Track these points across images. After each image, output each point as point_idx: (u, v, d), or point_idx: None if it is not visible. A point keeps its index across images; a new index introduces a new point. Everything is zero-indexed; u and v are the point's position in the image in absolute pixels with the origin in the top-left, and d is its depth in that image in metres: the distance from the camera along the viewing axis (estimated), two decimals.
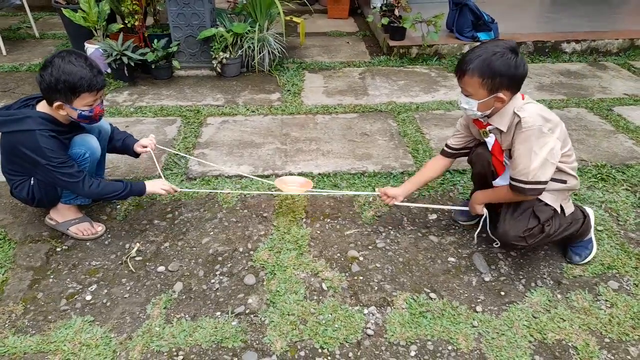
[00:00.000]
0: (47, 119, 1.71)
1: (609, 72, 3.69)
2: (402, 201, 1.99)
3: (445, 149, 1.94)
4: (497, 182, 1.80)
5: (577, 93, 3.32)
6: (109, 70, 3.49)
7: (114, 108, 3.11)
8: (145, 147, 2.03)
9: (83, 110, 1.69)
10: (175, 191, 1.96)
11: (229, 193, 2.27)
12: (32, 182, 1.85)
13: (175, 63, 3.53)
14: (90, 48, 3.48)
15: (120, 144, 2.04)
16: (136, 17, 3.45)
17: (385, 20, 3.91)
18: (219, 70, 3.56)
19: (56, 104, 1.66)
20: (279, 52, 3.68)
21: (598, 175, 2.37)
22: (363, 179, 2.40)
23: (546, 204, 1.70)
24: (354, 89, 3.46)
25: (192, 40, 3.58)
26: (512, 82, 1.54)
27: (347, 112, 3.10)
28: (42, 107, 1.74)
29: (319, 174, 2.43)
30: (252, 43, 3.57)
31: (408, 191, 1.96)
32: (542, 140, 1.53)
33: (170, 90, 3.41)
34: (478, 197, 1.82)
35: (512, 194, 1.65)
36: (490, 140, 1.72)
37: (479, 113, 1.63)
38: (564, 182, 1.71)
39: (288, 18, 3.80)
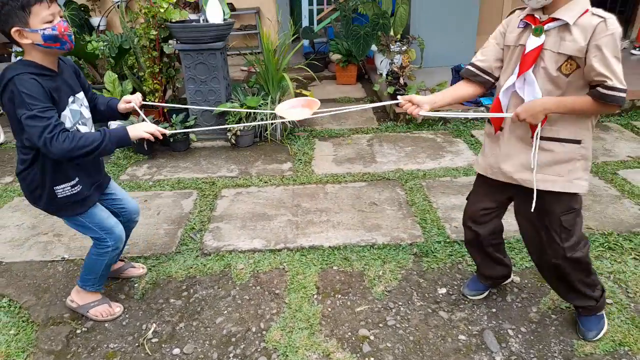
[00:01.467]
0: (27, 63, 1.58)
1: (612, 133, 3.77)
2: (428, 111, 1.72)
3: (469, 67, 1.71)
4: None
5: None
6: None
7: (134, 182, 3.27)
8: (129, 102, 1.87)
9: (44, 29, 1.52)
10: (163, 134, 1.77)
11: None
12: (37, 166, 1.70)
13: (192, 136, 3.73)
14: (114, 124, 3.70)
15: (104, 107, 1.89)
16: (156, 94, 3.69)
17: (391, 89, 4.10)
18: (233, 141, 3.74)
19: (14, 30, 1.50)
20: (290, 122, 3.86)
21: (605, 244, 2.40)
22: (373, 252, 2.45)
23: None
24: (363, 156, 3.59)
25: (208, 114, 3.79)
26: None
27: (356, 181, 3.21)
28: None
29: (330, 247, 2.50)
30: (265, 115, 3.76)
31: (434, 102, 1.69)
32: (618, 50, 1.40)
33: (187, 162, 3.57)
34: (536, 106, 1.49)
35: (598, 104, 1.44)
36: (537, 41, 1.49)
37: None
38: (579, 141, 1.55)
39: (298, 91, 4.01)
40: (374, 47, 4.98)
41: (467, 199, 1.96)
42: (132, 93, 3.76)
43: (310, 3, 6.07)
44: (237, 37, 6.79)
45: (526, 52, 1.50)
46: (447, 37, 5.11)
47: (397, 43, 4.64)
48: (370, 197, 2.99)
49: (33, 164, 1.70)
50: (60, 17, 1.58)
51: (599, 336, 1.84)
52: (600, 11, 1.41)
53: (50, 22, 1.54)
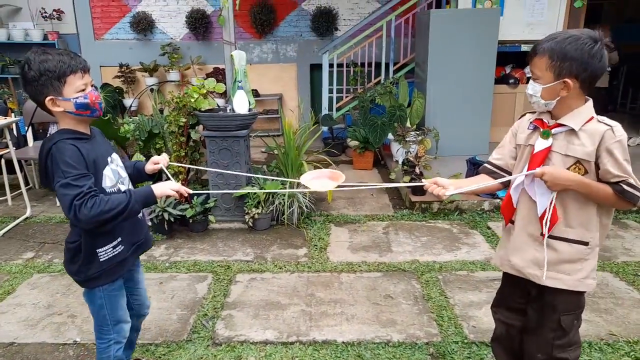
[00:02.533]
0: (63, 131, 1.62)
1: (631, 231, 3.74)
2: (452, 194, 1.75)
3: (487, 165, 1.82)
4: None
5: (601, 255, 3.33)
6: (149, 224, 3.78)
7: (151, 263, 3.31)
8: (157, 163, 1.88)
9: (77, 98, 1.58)
10: (188, 193, 1.79)
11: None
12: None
13: (211, 218, 3.81)
14: None
15: (131, 170, 1.89)
16: (180, 177, 3.84)
17: (407, 178, 4.20)
18: (250, 224, 3.80)
19: (48, 99, 1.56)
20: (307, 207, 3.94)
21: (632, 354, 2.30)
22: (388, 349, 2.38)
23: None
24: (378, 244, 3.60)
25: (227, 197, 3.90)
26: (583, 71, 1.48)
27: (372, 271, 3.19)
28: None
29: (343, 342, 2.44)
30: (283, 199, 3.86)
31: (459, 185, 1.75)
32: (627, 154, 1.50)
33: (205, 244, 3.62)
34: (562, 176, 1.52)
35: (618, 199, 1.50)
36: (545, 143, 1.58)
37: (543, 101, 1.56)
38: (586, 243, 1.60)
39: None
40: (390, 136, 5.17)
41: (497, 292, 1.98)
42: (159, 175, 3.95)
43: (330, 91, 6.41)
44: (260, 120, 7.13)
45: (534, 152, 1.60)
46: (461, 128, 5.29)
47: (413, 133, 4.82)
48: (386, 289, 2.95)
49: (82, 236, 1.69)
50: (92, 86, 1.65)
51: None
52: (605, 119, 1.53)
53: (83, 90, 1.60)
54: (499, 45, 5.31)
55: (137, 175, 1.91)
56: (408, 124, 5.09)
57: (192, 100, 3.70)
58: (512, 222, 1.72)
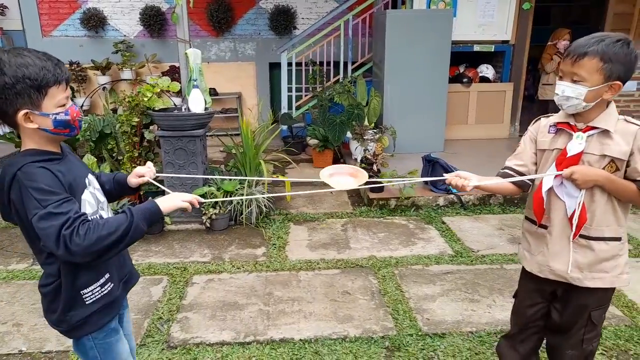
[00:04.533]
0: (29, 153, 1.31)
1: None
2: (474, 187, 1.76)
3: (508, 171, 1.78)
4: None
5: None
6: None
7: None
8: (142, 175, 1.61)
9: (57, 114, 1.30)
10: (200, 203, 1.53)
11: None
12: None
13: (167, 219, 3.73)
14: None
15: (111, 185, 1.61)
16: None
17: None
18: (207, 225, 3.75)
19: (21, 113, 1.26)
20: (265, 206, 3.92)
21: None
22: (344, 345, 2.41)
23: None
24: (337, 241, 3.63)
25: None
26: (626, 75, 1.52)
27: (330, 268, 3.22)
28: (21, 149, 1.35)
29: (301, 340, 2.45)
30: (241, 200, 3.82)
31: (481, 180, 1.74)
32: None
33: (160, 246, 3.54)
34: (591, 173, 1.56)
35: (638, 194, 1.55)
36: (579, 146, 1.58)
37: (584, 104, 1.54)
38: (619, 239, 1.64)
39: (275, 176, 4.12)
40: (349, 134, 5.22)
41: (515, 295, 1.95)
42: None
43: (289, 90, 6.41)
44: (218, 119, 7.04)
45: (568, 155, 1.59)
46: (418, 126, 5.41)
47: (371, 132, 4.89)
48: (344, 286, 2.98)
49: (60, 275, 1.38)
50: (72, 100, 1.40)
51: None
52: (631, 119, 1.58)
53: (63, 105, 1.33)
54: (453, 46, 5.46)
55: (119, 190, 1.63)
56: (366, 123, 5.16)
57: (146, 99, 3.61)
58: (544, 227, 1.71)
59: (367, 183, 1.87)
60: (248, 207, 3.84)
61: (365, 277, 3.09)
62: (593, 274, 1.64)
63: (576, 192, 1.59)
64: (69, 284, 1.38)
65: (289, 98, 6.45)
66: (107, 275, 1.45)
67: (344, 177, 1.84)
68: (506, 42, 5.96)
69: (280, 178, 4.17)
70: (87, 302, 1.41)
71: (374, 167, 4.35)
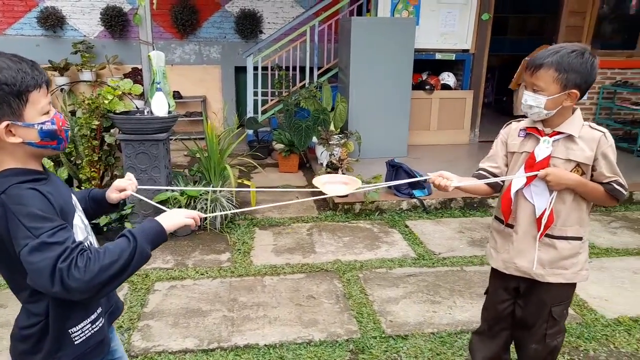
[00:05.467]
0: (12, 173, 1.11)
1: None
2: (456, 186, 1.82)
3: (482, 172, 1.87)
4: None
5: None
6: None
7: None
8: (123, 189, 1.44)
9: (43, 123, 1.13)
10: (202, 218, 1.42)
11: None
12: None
13: (127, 225, 3.64)
14: None
15: (86, 203, 1.42)
16: (93, 182, 3.63)
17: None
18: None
19: (2, 126, 1.08)
20: (230, 210, 3.88)
21: None
22: (309, 349, 2.42)
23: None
24: (302, 246, 3.64)
25: (146, 203, 3.73)
26: (585, 83, 1.60)
27: (295, 272, 3.22)
28: None
29: (265, 345, 2.44)
30: (205, 204, 3.78)
31: (461, 180, 1.80)
32: (616, 156, 1.67)
33: None
34: (565, 176, 1.65)
35: (608, 197, 1.67)
36: (547, 150, 1.68)
37: (545, 111, 1.64)
38: (581, 238, 1.74)
39: (240, 180, 4.09)
40: (315, 139, 5.25)
41: (486, 292, 2.04)
42: (67, 180, 3.71)
43: (255, 94, 6.39)
44: (182, 122, 6.92)
45: (537, 160, 1.68)
46: (382, 132, 5.50)
47: (336, 137, 4.94)
48: (309, 290, 3.00)
49: (48, 314, 1.19)
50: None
51: None
52: (595, 125, 1.69)
53: (47, 113, 1.16)
54: (416, 53, 5.59)
55: (96, 208, 1.45)
56: (332, 128, 5.21)
57: (107, 101, 3.52)
58: (510, 227, 1.79)
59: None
60: (213, 211, 3.80)
61: (330, 281, 3.12)
62: (554, 270, 1.75)
63: (547, 194, 1.69)
64: (57, 323, 1.20)
65: (255, 102, 6.43)
66: (98, 310, 1.30)
67: (338, 186, 1.89)
68: (466, 51, 6.15)
69: (246, 182, 4.15)
70: (75, 342, 1.24)
71: (340, 172, 4.40)
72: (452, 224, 4.08)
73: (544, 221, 1.69)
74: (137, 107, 3.90)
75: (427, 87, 6.10)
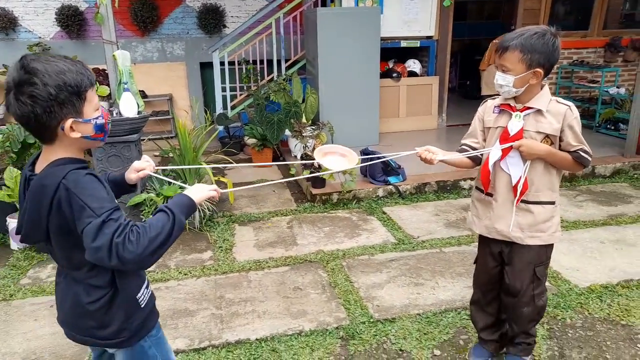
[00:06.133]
0: (65, 162, 1.23)
1: None
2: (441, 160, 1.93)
3: (465, 147, 2.00)
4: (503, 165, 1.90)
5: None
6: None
7: (37, 286, 3.00)
8: (142, 169, 1.55)
9: (97, 118, 1.26)
10: (219, 192, 1.53)
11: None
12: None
13: None
14: (13, 222, 3.44)
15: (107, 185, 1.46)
16: None
17: (306, 172, 4.31)
18: None
19: (68, 124, 1.20)
20: (208, 209, 3.86)
21: None
22: (300, 340, 2.46)
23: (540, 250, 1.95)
24: (284, 239, 3.66)
25: (121, 206, 3.67)
26: (548, 62, 1.74)
27: (279, 266, 3.24)
28: (44, 160, 1.26)
29: (257, 339, 2.46)
30: None
31: (446, 154, 1.93)
32: (581, 127, 1.84)
33: None
34: (536, 147, 1.80)
35: (575, 164, 1.84)
36: (519, 124, 1.83)
37: (514, 89, 1.79)
38: (553, 202, 1.92)
39: (216, 178, 4.06)
40: (287, 132, 5.25)
41: (475, 261, 2.19)
42: None
43: (224, 90, 6.30)
44: (150, 122, 6.76)
45: (512, 134, 1.84)
46: (353, 121, 5.55)
47: (309, 128, 4.96)
48: (294, 282, 3.02)
49: (113, 283, 1.33)
50: None
51: None
52: (561, 99, 1.84)
53: (97, 109, 1.28)
54: (382, 42, 5.65)
55: (116, 190, 1.52)
56: (304, 120, 5.22)
57: None
58: (490, 195, 1.96)
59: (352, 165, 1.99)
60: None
61: (315, 271, 3.16)
62: (532, 233, 1.92)
63: (521, 164, 1.85)
64: (127, 291, 1.35)
65: (224, 98, 6.35)
66: (146, 278, 1.48)
67: (336, 157, 1.94)
68: (430, 37, 6.26)
69: (222, 180, 4.12)
70: (141, 306, 1.40)
71: (315, 163, 4.42)
72: (427, 208, 4.18)
73: (519, 188, 1.85)
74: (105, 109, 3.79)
75: (394, 74, 6.18)
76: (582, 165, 1.85)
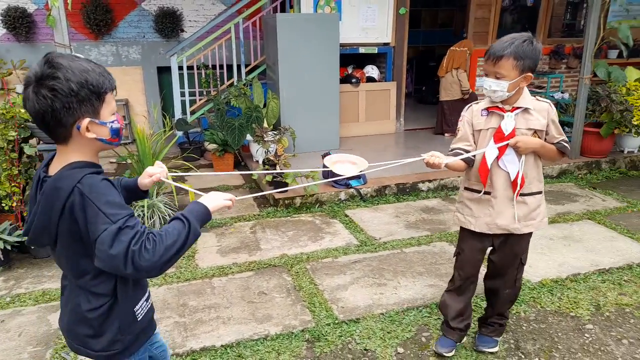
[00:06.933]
0: (80, 165, 1.22)
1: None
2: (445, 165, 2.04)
3: (459, 151, 2.09)
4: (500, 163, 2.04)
5: (438, 228, 3.89)
6: None
7: None
8: (153, 174, 1.53)
9: (113, 122, 1.26)
10: (234, 201, 1.50)
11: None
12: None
13: None
14: None
15: (120, 191, 1.45)
16: (14, 197, 3.37)
17: (269, 177, 4.32)
18: None
19: (85, 123, 1.20)
20: (169, 216, 3.79)
21: None
22: (266, 344, 2.46)
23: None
24: (247, 244, 3.65)
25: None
26: (534, 66, 1.92)
27: (243, 271, 3.23)
28: (58, 162, 1.24)
29: (222, 345, 2.44)
30: (142, 210, 3.65)
31: (447, 159, 2.03)
32: None
33: (53, 269, 3.24)
34: (530, 141, 1.97)
35: (559, 153, 2.04)
36: (512, 123, 1.97)
37: (507, 93, 1.93)
38: (541, 192, 2.10)
39: (179, 183, 3.98)
40: (249, 137, 5.24)
41: (457, 254, 2.29)
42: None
43: (182, 95, 6.21)
44: None
45: (506, 133, 1.98)
46: (314, 126, 5.61)
47: (271, 133, 4.96)
48: (259, 287, 3.02)
49: (114, 292, 1.30)
50: None
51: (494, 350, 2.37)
52: (540, 98, 2.05)
53: (114, 113, 1.29)
54: (341, 48, 5.75)
55: (128, 197, 1.53)
56: (265, 124, 5.22)
57: (23, 110, 3.27)
58: (487, 193, 2.07)
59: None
60: (151, 219, 3.68)
61: (279, 275, 3.17)
62: (527, 222, 2.09)
63: (516, 160, 2.00)
64: (126, 303, 1.33)
65: (183, 103, 6.25)
66: (147, 289, 1.44)
67: (346, 165, 2.06)
68: (387, 44, 6.42)
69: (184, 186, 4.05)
70: (138, 319, 1.37)
71: (277, 168, 4.43)
72: (388, 210, 4.28)
73: (518, 183, 2.01)
74: None
75: (353, 80, 6.29)
76: (564, 154, 2.04)
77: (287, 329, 2.58)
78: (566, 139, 2.04)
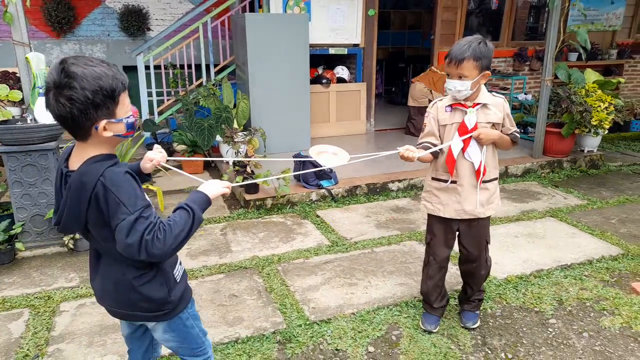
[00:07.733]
0: (102, 158, 1.34)
1: None
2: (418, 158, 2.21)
3: (427, 144, 2.27)
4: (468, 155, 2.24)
5: (407, 227, 3.95)
6: None
7: None
8: (153, 159, 1.64)
9: (128, 117, 1.38)
10: (230, 187, 1.63)
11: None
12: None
13: (19, 246, 3.29)
14: None
15: None
16: None
17: (239, 178, 4.28)
18: (71, 246, 3.41)
19: (102, 125, 1.31)
20: None
21: None
22: (237, 347, 2.44)
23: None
24: (218, 247, 3.60)
25: (39, 219, 3.42)
26: (490, 64, 2.13)
27: (214, 274, 3.19)
28: (78, 157, 1.36)
29: None
30: None
31: (419, 152, 2.18)
32: None
33: (14, 276, 3.12)
34: (490, 133, 2.18)
35: (512, 143, 2.29)
36: (474, 118, 2.18)
37: (470, 91, 2.13)
38: (497, 178, 2.37)
39: (144, 186, 3.90)
40: (218, 138, 5.18)
41: (429, 241, 2.49)
42: None
43: (150, 95, 6.08)
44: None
45: (470, 127, 2.17)
46: (285, 126, 5.59)
47: (241, 134, 4.92)
48: (230, 289, 2.99)
49: (152, 262, 1.46)
50: None
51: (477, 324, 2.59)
52: (496, 93, 2.27)
53: (129, 109, 1.40)
54: (311, 49, 5.75)
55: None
56: (235, 125, 5.17)
57: None
58: (454, 182, 2.27)
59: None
60: None
61: (250, 277, 3.14)
62: (489, 206, 2.34)
63: (479, 151, 2.21)
64: (165, 269, 1.51)
65: (150, 103, 6.13)
66: (178, 256, 1.61)
67: (329, 155, 2.19)
68: (357, 45, 6.47)
69: (152, 188, 3.97)
70: (177, 280, 1.56)
71: (248, 169, 4.40)
72: (359, 210, 4.32)
73: (482, 171, 2.23)
74: (17, 115, 3.53)
75: (324, 81, 6.31)
76: (516, 142, 2.30)
77: (258, 331, 2.56)
78: (517, 129, 2.29)
